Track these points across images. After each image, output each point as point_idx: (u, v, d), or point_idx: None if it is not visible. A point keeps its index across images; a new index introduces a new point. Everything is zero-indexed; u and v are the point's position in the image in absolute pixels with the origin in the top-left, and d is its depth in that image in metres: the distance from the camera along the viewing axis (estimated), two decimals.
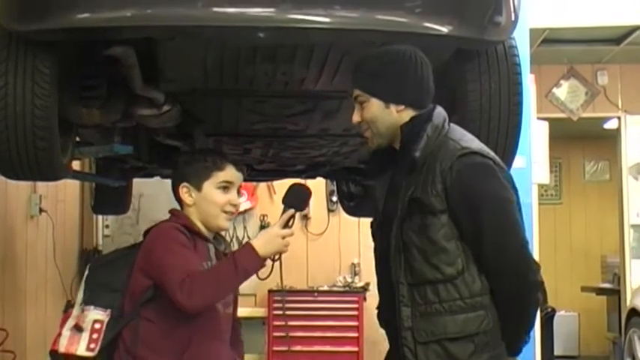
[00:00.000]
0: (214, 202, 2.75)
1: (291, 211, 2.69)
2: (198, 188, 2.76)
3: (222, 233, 2.98)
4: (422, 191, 2.46)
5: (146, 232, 2.76)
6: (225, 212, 2.77)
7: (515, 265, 2.45)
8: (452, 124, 2.60)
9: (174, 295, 2.52)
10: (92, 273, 2.83)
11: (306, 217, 8.09)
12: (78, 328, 2.73)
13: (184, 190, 2.77)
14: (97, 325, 2.71)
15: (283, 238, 2.62)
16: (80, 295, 2.80)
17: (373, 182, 2.76)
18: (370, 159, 2.78)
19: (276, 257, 2.64)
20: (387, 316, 2.59)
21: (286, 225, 2.66)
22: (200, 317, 2.62)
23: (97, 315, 2.72)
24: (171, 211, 2.81)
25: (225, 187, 2.76)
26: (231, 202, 2.77)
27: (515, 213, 2.49)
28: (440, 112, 2.58)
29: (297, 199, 2.74)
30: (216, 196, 2.75)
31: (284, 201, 2.73)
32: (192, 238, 2.68)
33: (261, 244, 2.60)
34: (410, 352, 2.46)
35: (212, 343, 2.70)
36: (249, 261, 2.56)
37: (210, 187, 2.75)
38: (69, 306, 2.90)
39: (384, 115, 2.56)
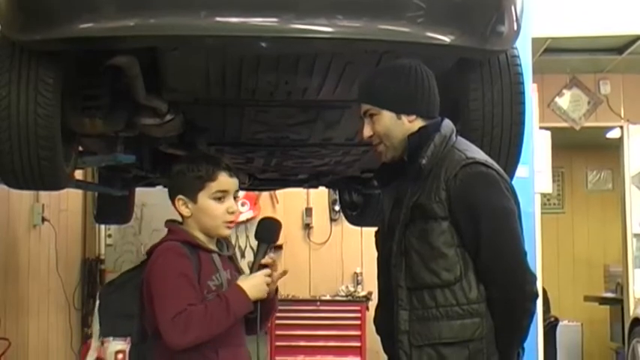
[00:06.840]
0: (211, 213, 2.67)
1: (264, 246, 2.70)
2: (194, 200, 2.67)
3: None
4: (426, 198, 2.50)
5: (148, 252, 2.70)
6: (225, 222, 2.70)
7: (511, 275, 2.48)
8: (459, 137, 2.63)
9: (167, 331, 2.48)
10: (103, 302, 2.79)
11: (308, 227, 8.09)
12: None
13: (180, 203, 2.69)
14: (120, 356, 2.69)
15: (268, 285, 2.64)
16: (96, 327, 2.75)
17: (381, 193, 2.77)
18: (379, 169, 2.79)
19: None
20: (385, 321, 2.61)
21: (262, 266, 2.67)
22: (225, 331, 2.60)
23: (117, 345, 2.69)
24: (169, 226, 2.74)
25: (221, 197, 2.68)
26: (228, 210, 2.69)
27: (516, 224, 2.51)
28: (448, 123, 2.61)
29: (268, 233, 2.75)
30: (212, 208, 2.67)
31: (256, 236, 2.74)
32: (196, 253, 2.62)
33: (250, 287, 2.60)
34: (405, 355, 2.49)
35: (237, 349, 2.68)
36: (240, 305, 2.57)
37: (204, 198, 2.67)
38: (87, 337, 2.88)
39: (396, 126, 2.58)
